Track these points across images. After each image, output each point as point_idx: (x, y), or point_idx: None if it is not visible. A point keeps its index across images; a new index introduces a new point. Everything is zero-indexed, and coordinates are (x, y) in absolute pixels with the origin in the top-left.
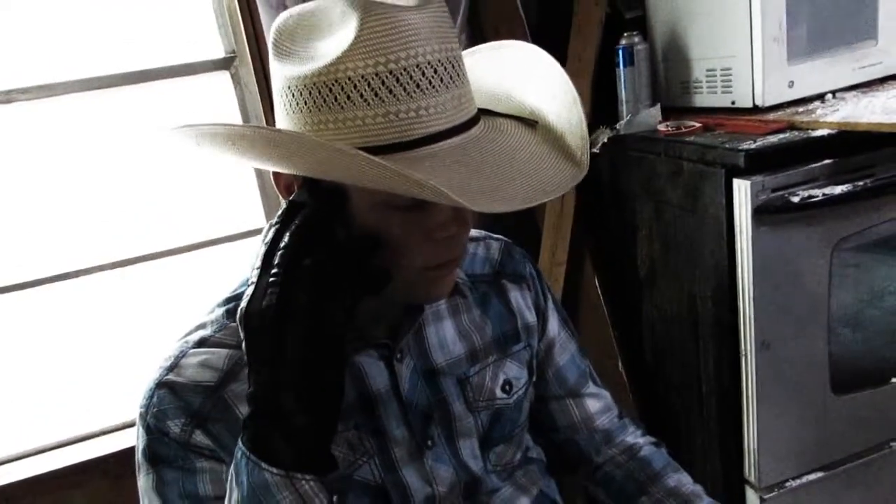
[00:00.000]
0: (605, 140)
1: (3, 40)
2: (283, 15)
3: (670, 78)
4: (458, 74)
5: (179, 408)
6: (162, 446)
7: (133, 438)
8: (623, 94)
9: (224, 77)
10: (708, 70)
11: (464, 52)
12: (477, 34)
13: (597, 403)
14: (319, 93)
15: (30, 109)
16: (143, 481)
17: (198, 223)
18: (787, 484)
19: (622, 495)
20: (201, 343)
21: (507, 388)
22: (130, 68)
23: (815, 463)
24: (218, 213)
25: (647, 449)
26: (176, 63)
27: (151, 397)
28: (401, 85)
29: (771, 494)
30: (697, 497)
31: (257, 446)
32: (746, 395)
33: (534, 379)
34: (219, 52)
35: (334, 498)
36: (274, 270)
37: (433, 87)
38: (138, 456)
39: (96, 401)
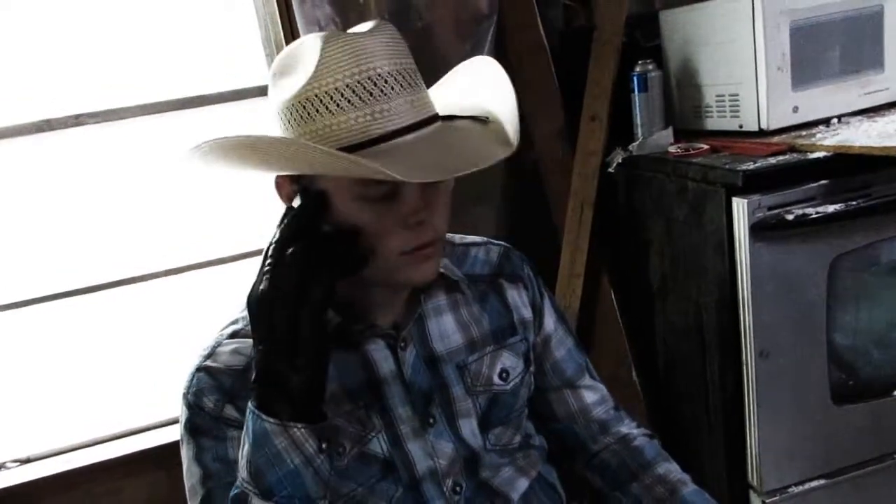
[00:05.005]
0: (620, 160)
1: (75, 68)
2: (279, 55)
3: (683, 102)
4: (409, 83)
5: (214, 387)
6: (199, 418)
7: (179, 433)
8: (638, 118)
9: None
10: (717, 96)
11: (450, 73)
12: (503, 62)
13: (593, 395)
14: (297, 111)
15: (97, 131)
16: (185, 451)
17: (236, 237)
18: (790, 490)
19: (616, 481)
20: (233, 335)
21: (504, 375)
22: (186, 94)
23: (818, 470)
24: (252, 229)
25: (640, 440)
26: (227, 90)
27: (192, 379)
28: (356, 95)
29: (773, 499)
30: (683, 484)
31: (261, 403)
32: (748, 402)
33: (531, 369)
34: (265, 80)
35: (323, 445)
36: (268, 261)
37: (384, 94)
38: (181, 429)
39: (152, 396)
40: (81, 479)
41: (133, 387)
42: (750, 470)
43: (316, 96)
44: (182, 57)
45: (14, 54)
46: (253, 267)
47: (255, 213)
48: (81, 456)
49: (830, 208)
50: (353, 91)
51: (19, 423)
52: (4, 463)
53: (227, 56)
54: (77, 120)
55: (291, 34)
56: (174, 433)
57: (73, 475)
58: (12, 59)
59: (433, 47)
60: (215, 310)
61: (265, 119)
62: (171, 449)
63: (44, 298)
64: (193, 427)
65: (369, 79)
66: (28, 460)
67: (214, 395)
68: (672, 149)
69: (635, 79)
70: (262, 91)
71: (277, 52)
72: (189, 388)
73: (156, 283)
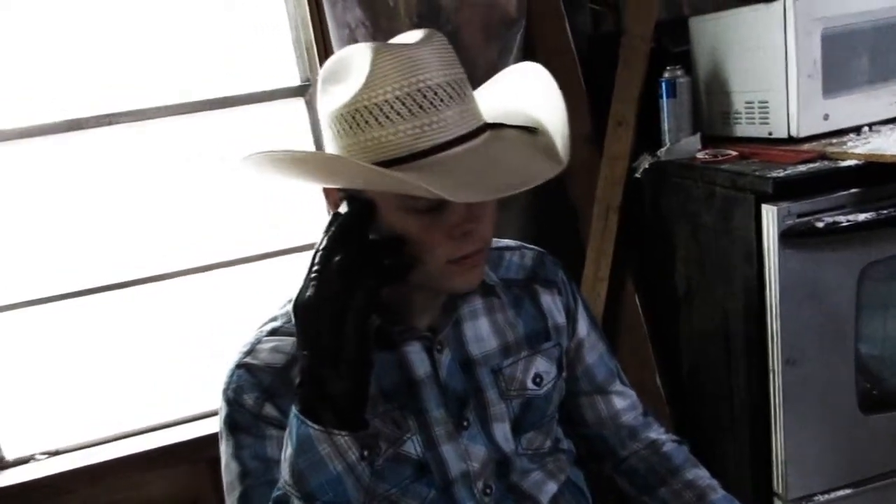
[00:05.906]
0: (647, 165)
1: (105, 69)
2: (328, 60)
3: (712, 108)
4: (458, 94)
5: (254, 384)
6: (239, 415)
7: (204, 428)
8: (665, 124)
9: (299, 103)
10: (747, 102)
11: (491, 80)
12: None
13: (623, 401)
14: (346, 121)
15: (127, 131)
16: (224, 447)
17: (264, 236)
18: (815, 498)
19: (645, 486)
20: (273, 332)
21: (538, 380)
22: (216, 95)
23: (844, 479)
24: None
25: (669, 445)
26: (257, 90)
27: (232, 376)
28: (406, 107)
29: None
30: (712, 490)
31: (304, 408)
32: (774, 409)
33: (563, 374)
34: (295, 81)
35: (365, 452)
36: (314, 268)
37: (434, 106)
38: (220, 426)
39: (177, 393)
40: (105, 473)
41: (157, 383)
42: (775, 477)
43: (366, 107)
44: (213, 57)
45: (46, 54)
46: (278, 265)
47: (281, 212)
48: (106, 450)
49: (861, 217)
50: (403, 103)
51: (50, 416)
52: (34, 455)
53: (257, 57)
54: (108, 119)
55: (322, 36)
56: (196, 430)
57: (97, 468)
58: (44, 58)
59: (462, 51)
60: (243, 307)
61: (295, 120)
62: (193, 445)
63: (73, 294)
64: (233, 424)
65: (419, 91)
66: (56, 453)
67: (254, 392)
68: (700, 155)
69: (663, 84)
70: (291, 92)
71: (308, 55)
72: (229, 384)
73: (184, 280)
